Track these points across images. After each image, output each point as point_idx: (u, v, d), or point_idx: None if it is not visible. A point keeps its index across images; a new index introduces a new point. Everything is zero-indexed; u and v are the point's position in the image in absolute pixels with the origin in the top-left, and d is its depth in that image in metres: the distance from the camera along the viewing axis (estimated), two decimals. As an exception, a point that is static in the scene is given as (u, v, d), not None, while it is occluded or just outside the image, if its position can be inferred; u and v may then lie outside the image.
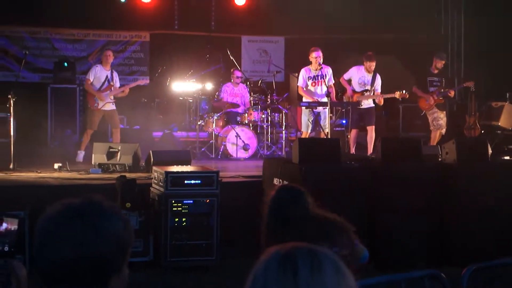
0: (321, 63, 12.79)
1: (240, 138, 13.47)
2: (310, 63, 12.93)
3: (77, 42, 16.28)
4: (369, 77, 13.09)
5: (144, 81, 13.70)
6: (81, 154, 12.58)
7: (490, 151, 10.22)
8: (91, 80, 12.63)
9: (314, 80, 12.89)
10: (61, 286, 2.06)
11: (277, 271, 1.67)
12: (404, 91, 13.00)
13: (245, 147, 13.50)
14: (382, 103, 13.20)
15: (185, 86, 15.35)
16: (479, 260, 5.28)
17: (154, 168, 9.47)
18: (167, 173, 8.76)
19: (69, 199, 2.15)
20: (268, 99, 14.56)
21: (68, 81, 15.31)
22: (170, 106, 15.78)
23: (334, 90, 13.07)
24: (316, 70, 12.85)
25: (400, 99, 13.80)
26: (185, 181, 8.79)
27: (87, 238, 2.04)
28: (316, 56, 12.78)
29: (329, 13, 15.08)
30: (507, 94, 15.66)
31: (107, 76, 12.66)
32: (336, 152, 9.36)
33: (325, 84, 12.62)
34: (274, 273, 1.68)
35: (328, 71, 12.87)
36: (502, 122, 15.30)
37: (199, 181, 8.83)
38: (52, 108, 14.83)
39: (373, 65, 13.09)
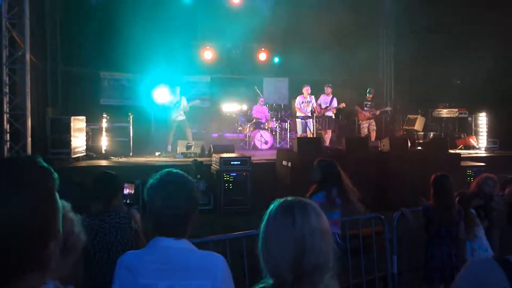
0: (309, 93, 12.77)
1: (263, 137, 13.49)
2: (302, 93, 12.90)
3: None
4: (328, 99, 13.05)
5: (197, 101, 13.36)
6: (169, 147, 12.48)
7: (409, 144, 10.20)
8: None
9: (305, 104, 12.86)
10: (169, 229, 2.02)
11: (282, 217, 1.63)
12: (342, 103, 12.96)
13: (266, 143, 13.51)
14: (335, 111, 13.11)
15: (230, 107, 15.39)
16: (404, 206, 5.31)
17: (213, 155, 9.55)
18: (221, 158, 8.82)
19: (163, 172, 2.05)
20: (279, 114, 14.58)
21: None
22: (222, 119, 15.77)
23: (319, 108, 12.99)
24: (306, 97, 12.82)
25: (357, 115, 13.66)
26: (231, 163, 8.84)
27: (191, 196, 2.03)
28: (306, 89, 12.77)
29: (313, 64, 15.02)
30: (419, 110, 15.64)
31: (177, 102, 12.44)
32: (319, 146, 9.38)
33: (311, 106, 12.62)
34: (280, 218, 1.63)
35: (313, 98, 12.77)
36: (417, 127, 15.22)
37: (239, 163, 8.88)
38: (153, 120, 14.91)
39: (328, 89, 13.10)
